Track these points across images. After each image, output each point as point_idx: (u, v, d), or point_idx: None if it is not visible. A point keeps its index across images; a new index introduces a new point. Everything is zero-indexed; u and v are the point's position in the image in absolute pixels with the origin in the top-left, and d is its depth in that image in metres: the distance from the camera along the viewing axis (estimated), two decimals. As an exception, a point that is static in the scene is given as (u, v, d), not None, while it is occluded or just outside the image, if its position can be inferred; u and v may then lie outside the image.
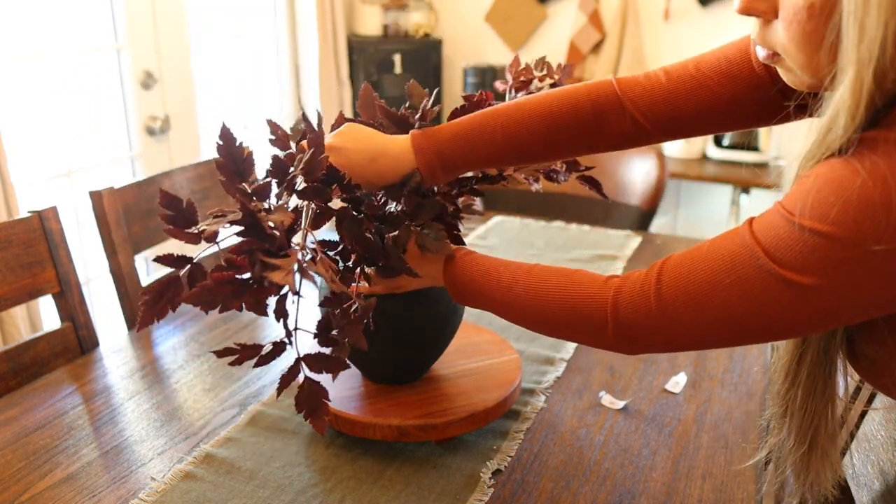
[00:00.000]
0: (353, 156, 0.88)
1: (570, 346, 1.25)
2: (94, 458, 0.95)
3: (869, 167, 0.57)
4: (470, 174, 1.00)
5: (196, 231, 0.75)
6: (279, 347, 0.78)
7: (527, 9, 3.12)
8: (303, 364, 0.79)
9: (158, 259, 0.73)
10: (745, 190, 2.81)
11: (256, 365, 0.78)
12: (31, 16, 1.92)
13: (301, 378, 0.79)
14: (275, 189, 0.81)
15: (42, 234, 1.24)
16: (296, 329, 0.78)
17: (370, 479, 0.91)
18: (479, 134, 0.89)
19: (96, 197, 1.35)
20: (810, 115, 0.69)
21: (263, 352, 0.78)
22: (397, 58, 3.10)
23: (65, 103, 2.05)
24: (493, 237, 1.78)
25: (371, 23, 3.15)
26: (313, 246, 0.79)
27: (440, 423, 0.94)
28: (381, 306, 0.95)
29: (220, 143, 0.77)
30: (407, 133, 0.90)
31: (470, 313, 1.36)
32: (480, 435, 1.00)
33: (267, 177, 0.81)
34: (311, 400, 0.78)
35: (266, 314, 0.74)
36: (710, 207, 3.06)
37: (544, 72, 1.05)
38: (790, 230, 0.61)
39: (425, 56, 3.15)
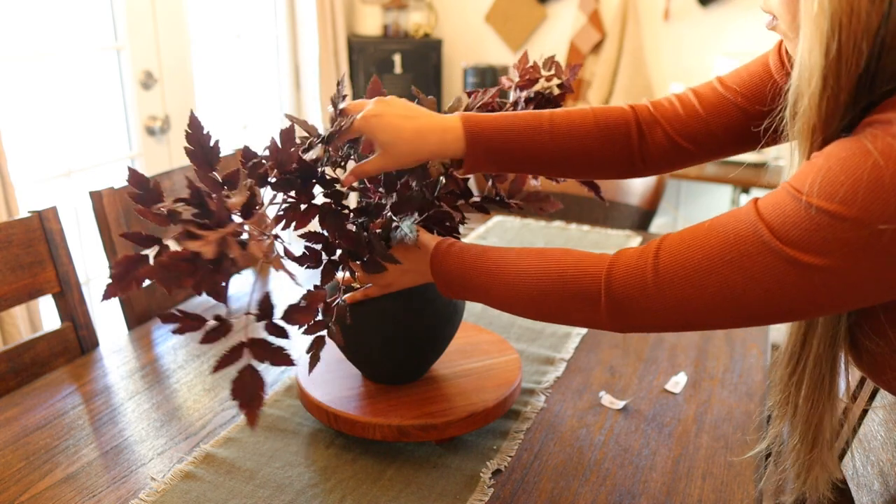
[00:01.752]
0: (397, 122, 0.84)
1: (571, 346, 1.25)
2: (94, 458, 0.95)
3: (881, 148, 0.57)
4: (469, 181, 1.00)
5: (162, 211, 0.75)
6: (224, 326, 0.76)
7: (527, 9, 3.12)
8: (246, 350, 0.77)
9: (125, 235, 0.73)
10: (745, 190, 2.81)
11: (202, 341, 0.76)
12: (31, 16, 1.92)
13: (243, 364, 0.77)
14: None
15: (42, 234, 1.24)
16: (248, 313, 0.76)
17: (370, 479, 0.91)
18: (529, 135, 0.88)
19: (96, 197, 1.35)
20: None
21: (207, 328, 0.76)
22: (397, 58, 3.10)
23: (65, 103, 2.05)
24: (493, 237, 1.78)
25: (371, 23, 3.15)
26: (274, 234, 0.78)
27: (440, 423, 0.94)
28: (381, 306, 0.95)
29: (189, 131, 0.78)
30: None
31: (470, 313, 1.37)
32: (480, 435, 1.00)
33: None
34: (248, 389, 0.76)
35: (223, 298, 0.73)
36: (710, 207, 3.06)
37: (552, 71, 1.04)
38: (797, 208, 0.61)
39: (425, 56, 3.15)
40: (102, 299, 0.75)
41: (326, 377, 1.04)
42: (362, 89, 3.05)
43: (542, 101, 1.01)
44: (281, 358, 0.76)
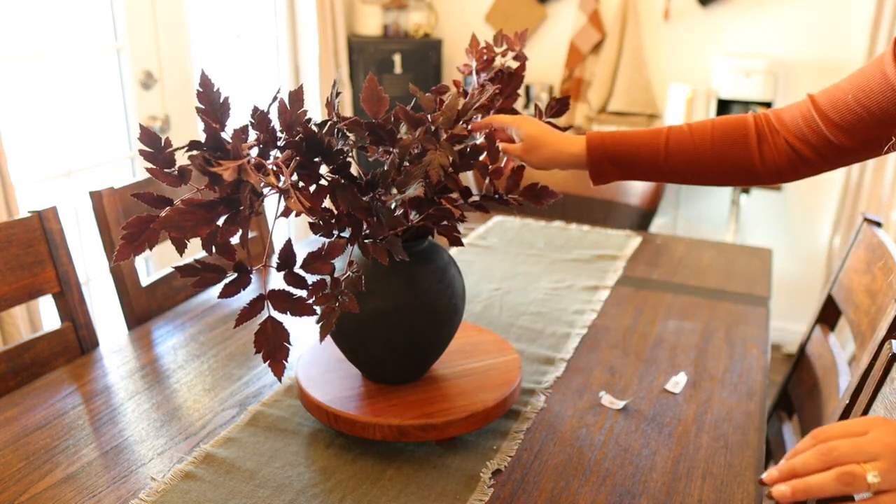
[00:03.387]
0: (546, 127, 1.05)
1: (571, 346, 1.25)
2: (94, 458, 0.95)
3: None
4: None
5: (174, 172, 0.74)
6: (244, 277, 0.76)
7: (527, 9, 3.12)
8: (268, 302, 0.76)
9: (137, 195, 0.73)
10: (746, 190, 2.81)
11: (221, 295, 0.75)
12: (31, 16, 1.92)
13: (265, 316, 0.76)
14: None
15: (42, 234, 1.24)
16: (265, 266, 0.76)
17: (370, 479, 0.91)
18: (646, 149, 1.01)
19: (96, 197, 1.35)
20: None
21: (227, 280, 0.75)
22: (397, 58, 3.10)
23: (65, 103, 2.05)
24: (493, 237, 1.78)
25: (371, 23, 3.15)
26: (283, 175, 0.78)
27: (440, 423, 0.94)
28: (382, 306, 0.95)
29: (200, 90, 0.78)
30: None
31: (470, 313, 1.37)
32: (480, 435, 1.00)
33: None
34: (271, 340, 0.75)
35: (232, 256, 0.72)
36: (710, 207, 3.06)
37: (504, 46, 1.05)
38: None
39: (425, 56, 3.15)
40: (115, 260, 0.74)
41: (326, 377, 1.04)
42: (362, 89, 3.05)
43: (505, 77, 1.02)
44: (302, 308, 0.75)
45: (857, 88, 0.90)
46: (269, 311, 0.76)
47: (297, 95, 0.82)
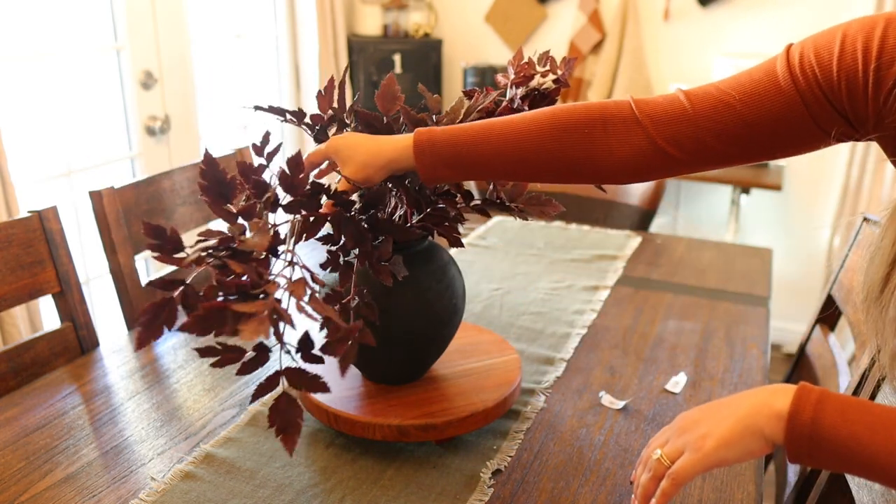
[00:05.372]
0: (358, 138, 0.91)
1: (571, 346, 1.25)
2: (94, 458, 0.95)
3: None
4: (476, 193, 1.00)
5: (184, 257, 0.76)
6: (262, 356, 0.78)
7: (527, 9, 3.12)
8: (283, 378, 0.78)
9: (151, 283, 0.75)
10: (746, 190, 2.80)
11: (239, 373, 0.77)
12: (31, 16, 1.92)
13: (279, 391, 0.78)
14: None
15: (42, 234, 1.24)
16: (282, 343, 0.77)
17: (370, 479, 0.91)
18: (480, 138, 0.86)
19: (96, 197, 1.35)
20: (856, 140, 0.67)
21: (246, 358, 0.77)
22: (397, 58, 3.10)
23: (65, 103, 2.05)
24: (493, 237, 1.78)
25: (371, 23, 3.15)
26: (299, 266, 0.79)
27: (440, 423, 0.94)
28: (382, 306, 0.95)
29: (204, 168, 0.79)
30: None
31: (470, 313, 1.37)
32: (480, 435, 1.00)
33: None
34: (285, 416, 0.77)
35: (267, 335, 0.74)
36: (710, 207, 3.06)
37: (547, 67, 1.03)
38: None
39: (425, 56, 3.15)
40: (136, 348, 0.77)
41: (326, 377, 1.04)
42: (363, 89, 3.05)
43: (538, 97, 1.01)
44: (317, 385, 0.77)
45: (745, 94, 0.78)
46: (284, 386, 0.78)
47: (296, 161, 0.84)
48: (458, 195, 0.98)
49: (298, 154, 0.85)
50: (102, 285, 2.19)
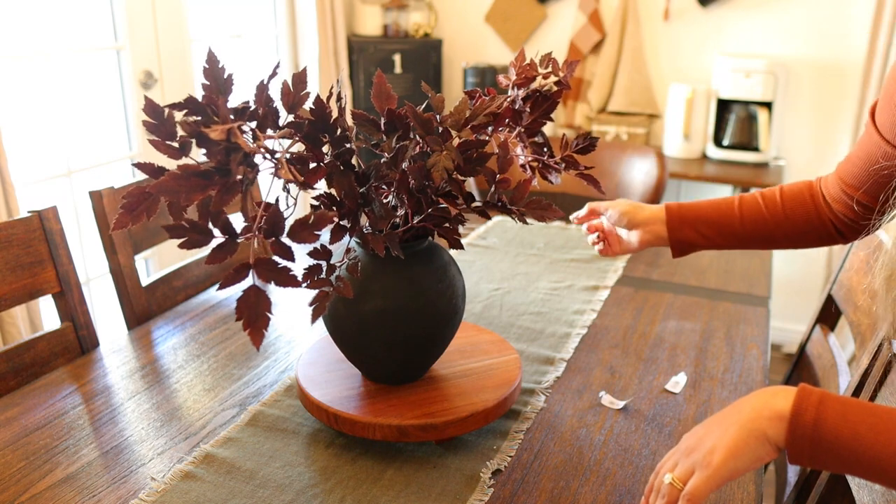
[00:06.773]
0: (635, 205, 1.18)
1: (571, 346, 1.25)
2: (94, 458, 0.95)
3: None
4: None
5: (175, 144, 0.74)
6: (232, 243, 0.73)
7: (527, 9, 3.12)
8: (252, 270, 0.74)
9: (138, 165, 0.73)
10: (745, 190, 2.80)
11: (208, 262, 0.73)
12: (31, 16, 1.92)
13: (249, 283, 0.75)
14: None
15: (42, 234, 1.24)
16: (254, 229, 0.74)
17: (370, 479, 0.91)
18: (723, 219, 1.09)
19: (96, 197, 1.35)
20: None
21: (214, 243, 0.75)
22: (397, 58, 3.10)
23: (65, 103, 2.05)
24: (493, 237, 1.78)
25: (371, 23, 3.14)
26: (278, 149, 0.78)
27: (440, 423, 0.94)
28: (382, 306, 0.95)
29: (207, 66, 0.78)
30: (428, 131, 0.91)
31: (470, 313, 1.37)
32: (480, 435, 1.00)
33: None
34: (253, 308, 0.73)
35: (231, 231, 0.72)
36: (710, 207, 3.06)
37: (549, 69, 1.03)
38: None
39: (425, 56, 3.15)
40: (113, 229, 0.74)
41: (326, 377, 1.04)
42: (363, 89, 3.05)
43: (539, 98, 1.01)
44: (286, 278, 0.74)
45: (860, 149, 0.97)
46: (254, 279, 0.75)
47: (300, 77, 0.82)
48: (459, 196, 0.97)
49: (303, 71, 0.84)
50: (102, 285, 2.19)
